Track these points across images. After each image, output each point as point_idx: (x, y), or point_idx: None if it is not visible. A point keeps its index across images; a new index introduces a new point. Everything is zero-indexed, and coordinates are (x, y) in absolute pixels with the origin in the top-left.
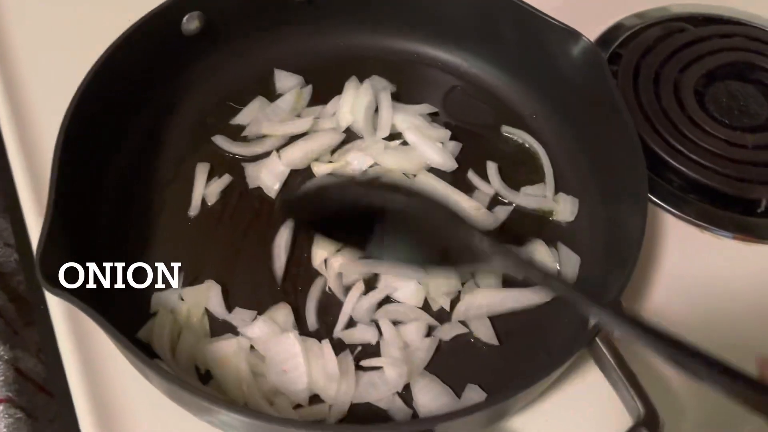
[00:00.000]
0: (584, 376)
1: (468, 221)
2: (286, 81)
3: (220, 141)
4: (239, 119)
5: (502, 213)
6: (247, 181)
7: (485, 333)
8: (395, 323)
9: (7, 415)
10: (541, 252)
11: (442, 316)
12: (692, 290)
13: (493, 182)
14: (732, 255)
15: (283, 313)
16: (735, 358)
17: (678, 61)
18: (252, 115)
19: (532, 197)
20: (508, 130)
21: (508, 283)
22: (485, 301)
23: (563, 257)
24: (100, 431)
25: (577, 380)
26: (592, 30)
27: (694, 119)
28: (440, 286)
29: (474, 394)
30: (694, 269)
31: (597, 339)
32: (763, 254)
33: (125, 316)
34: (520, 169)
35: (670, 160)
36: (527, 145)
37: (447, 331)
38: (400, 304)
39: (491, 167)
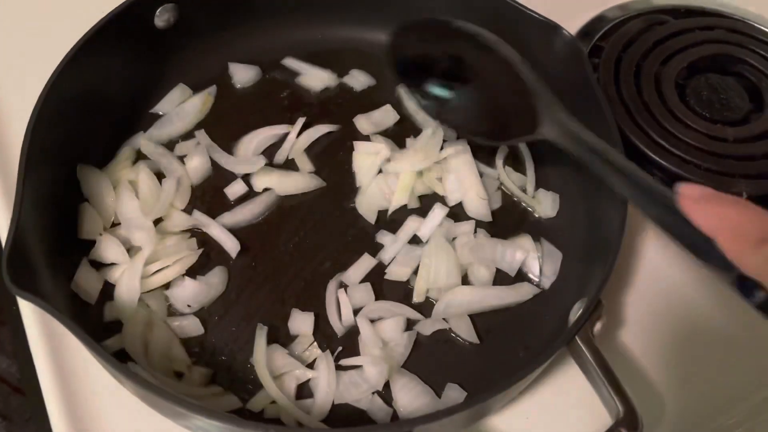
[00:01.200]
0: (564, 374)
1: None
2: (242, 73)
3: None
4: (159, 107)
5: (495, 200)
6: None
7: (465, 330)
8: (373, 320)
9: None
10: (526, 246)
11: (422, 311)
12: (670, 284)
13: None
14: None
15: None
16: (716, 354)
17: (659, 53)
18: (172, 105)
19: (516, 185)
20: None
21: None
22: (466, 298)
23: (546, 252)
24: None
25: (558, 379)
26: (573, 22)
27: (675, 113)
28: (439, 279)
29: (454, 393)
30: (675, 265)
31: (577, 338)
32: None
33: (95, 316)
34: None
35: (651, 154)
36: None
37: (427, 327)
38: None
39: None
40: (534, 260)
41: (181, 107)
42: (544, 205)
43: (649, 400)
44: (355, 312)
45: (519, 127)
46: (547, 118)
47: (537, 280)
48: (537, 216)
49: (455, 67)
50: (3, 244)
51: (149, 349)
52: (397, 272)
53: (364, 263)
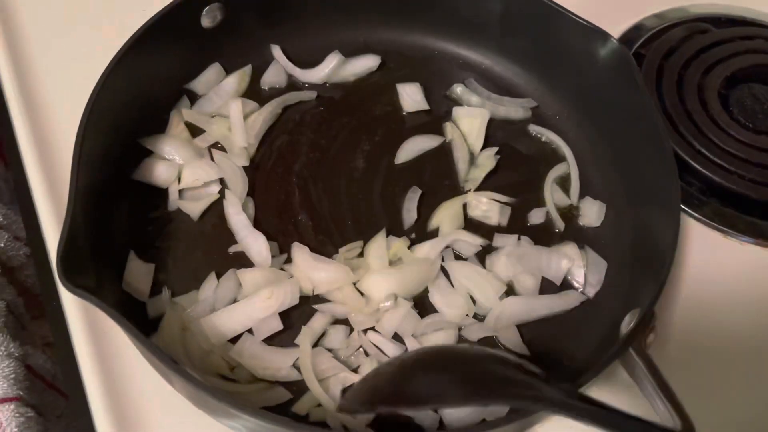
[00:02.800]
0: (615, 386)
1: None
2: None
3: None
4: (194, 85)
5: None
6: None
7: (513, 341)
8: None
9: (18, 414)
10: (571, 254)
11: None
12: (713, 297)
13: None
14: (754, 261)
15: None
16: (757, 365)
17: (701, 62)
18: (207, 85)
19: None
20: (536, 129)
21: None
22: (516, 309)
23: (590, 261)
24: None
25: (607, 390)
26: (611, 30)
27: (719, 122)
28: (486, 289)
29: None
30: (716, 275)
31: (630, 349)
32: None
33: (141, 316)
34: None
35: (693, 164)
36: (554, 146)
37: (474, 332)
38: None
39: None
40: (579, 269)
41: (219, 86)
42: (590, 213)
43: (706, 415)
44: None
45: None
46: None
47: (581, 288)
48: (581, 224)
49: None
50: (47, 238)
51: (189, 351)
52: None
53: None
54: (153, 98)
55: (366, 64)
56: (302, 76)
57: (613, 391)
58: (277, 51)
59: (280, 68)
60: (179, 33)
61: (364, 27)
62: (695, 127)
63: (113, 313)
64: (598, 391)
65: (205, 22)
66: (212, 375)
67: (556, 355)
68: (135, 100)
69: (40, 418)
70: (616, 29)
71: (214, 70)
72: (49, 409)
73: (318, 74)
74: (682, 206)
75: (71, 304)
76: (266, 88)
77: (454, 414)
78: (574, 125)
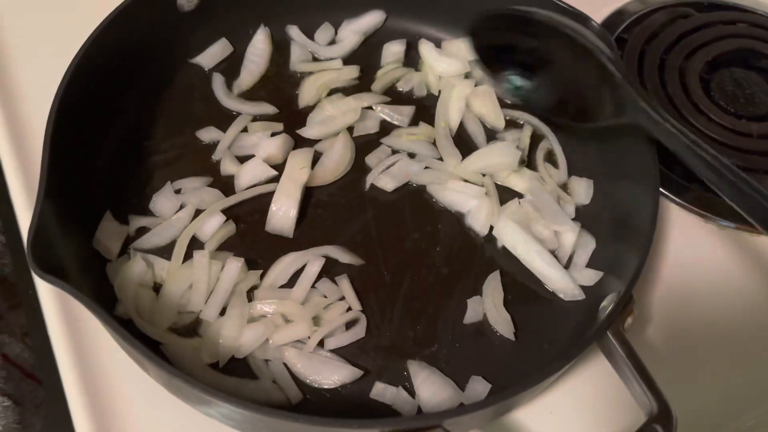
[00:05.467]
0: (592, 368)
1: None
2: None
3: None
4: (200, 59)
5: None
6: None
7: (503, 327)
8: None
9: None
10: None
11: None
12: (695, 279)
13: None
14: (736, 245)
15: None
16: (734, 349)
17: (683, 47)
18: (215, 57)
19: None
20: (512, 114)
21: None
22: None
23: (581, 240)
24: (91, 418)
25: (585, 373)
26: (594, 15)
27: (700, 107)
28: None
29: (479, 386)
30: (696, 259)
31: (608, 333)
32: (767, 245)
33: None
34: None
35: None
36: (535, 130)
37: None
38: None
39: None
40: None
41: (253, 47)
42: (578, 191)
43: (682, 397)
44: None
45: (603, 112)
46: (632, 105)
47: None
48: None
49: (536, 56)
50: (23, 226)
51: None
52: None
53: None
54: (128, 86)
55: (371, 20)
56: (324, 52)
57: (590, 375)
58: (294, 31)
59: (302, 48)
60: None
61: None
62: (676, 112)
63: (83, 298)
64: (576, 375)
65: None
66: (164, 331)
67: (534, 338)
68: (110, 82)
69: (18, 408)
70: (598, 14)
71: (220, 45)
72: (27, 398)
73: (341, 50)
74: (664, 192)
75: (46, 292)
76: (298, 72)
77: (432, 401)
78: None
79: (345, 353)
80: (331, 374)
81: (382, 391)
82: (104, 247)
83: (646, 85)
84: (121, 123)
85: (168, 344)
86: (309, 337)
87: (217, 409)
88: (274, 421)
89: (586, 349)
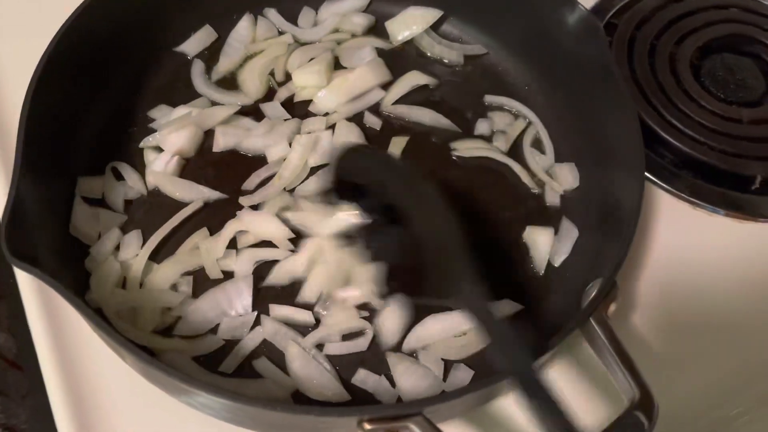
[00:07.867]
0: (576, 355)
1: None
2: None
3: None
4: (185, 47)
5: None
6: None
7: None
8: None
9: None
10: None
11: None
12: (683, 267)
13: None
14: (724, 232)
15: None
16: (719, 337)
17: (674, 32)
18: (200, 44)
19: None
20: (497, 100)
21: None
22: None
23: (563, 229)
24: (71, 408)
25: (568, 360)
26: (583, 0)
27: (690, 93)
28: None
29: (461, 373)
30: (684, 246)
31: (591, 319)
32: (756, 232)
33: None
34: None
35: (664, 135)
36: (520, 117)
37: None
38: None
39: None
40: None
41: (236, 32)
42: (565, 176)
43: (663, 384)
44: None
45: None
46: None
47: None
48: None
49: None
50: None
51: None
52: None
53: None
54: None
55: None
56: (302, 35)
57: (574, 362)
58: (272, 13)
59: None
60: None
61: None
62: (666, 98)
63: (57, 285)
64: (559, 362)
65: None
66: (146, 333)
67: (518, 324)
68: (89, 67)
69: (2, 398)
70: None
71: (205, 31)
72: (12, 388)
73: (319, 33)
74: (652, 179)
75: (26, 280)
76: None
77: (413, 391)
78: (542, 94)
79: None
80: (322, 388)
81: (364, 378)
82: (82, 233)
83: (636, 71)
84: (103, 108)
85: (158, 348)
86: (310, 330)
87: (196, 398)
88: (252, 410)
89: (569, 335)
